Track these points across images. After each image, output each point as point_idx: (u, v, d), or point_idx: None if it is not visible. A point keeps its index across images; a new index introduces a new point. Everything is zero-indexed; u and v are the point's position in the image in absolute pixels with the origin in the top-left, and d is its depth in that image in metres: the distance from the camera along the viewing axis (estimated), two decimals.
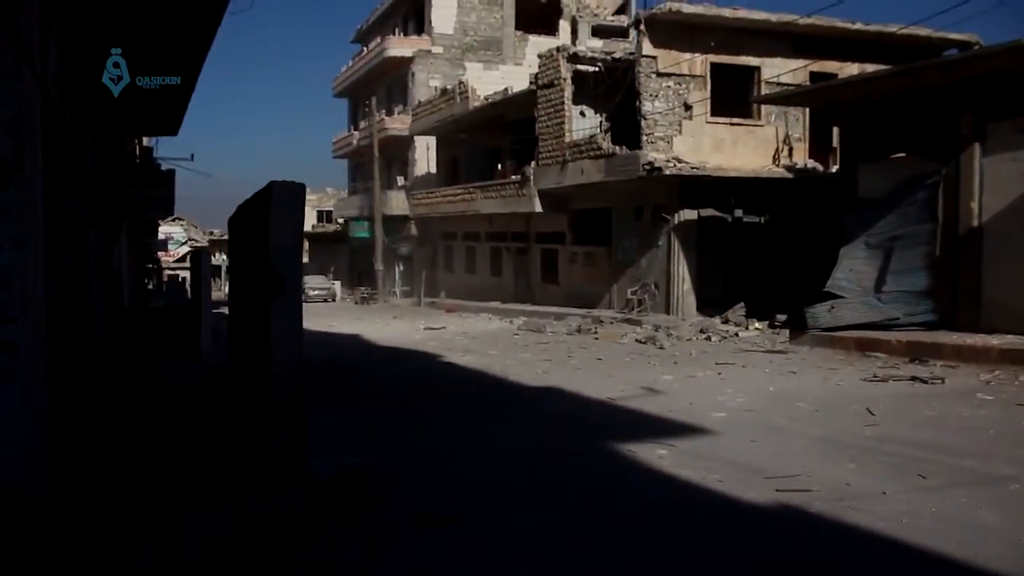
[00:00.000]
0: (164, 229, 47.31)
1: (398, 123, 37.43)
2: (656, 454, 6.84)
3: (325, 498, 5.35)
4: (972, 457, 6.66)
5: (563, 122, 24.10)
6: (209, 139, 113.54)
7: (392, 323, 24.33)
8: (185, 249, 74.73)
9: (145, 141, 20.85)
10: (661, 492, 5.81)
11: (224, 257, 61.73)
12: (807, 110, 21.61)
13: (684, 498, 5.64)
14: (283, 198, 5.10)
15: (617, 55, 23.99)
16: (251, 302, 5.94)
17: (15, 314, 4.02)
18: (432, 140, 36.13)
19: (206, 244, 74.14)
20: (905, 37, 20.77)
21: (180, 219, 59.80)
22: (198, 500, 4.96)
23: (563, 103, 24.00)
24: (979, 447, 7.06)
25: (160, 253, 47.74)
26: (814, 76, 21.15)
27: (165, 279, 43.33)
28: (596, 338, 17.93)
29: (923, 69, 14.80)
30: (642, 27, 20.53)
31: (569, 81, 23.86)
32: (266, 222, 5.12)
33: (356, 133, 42.89)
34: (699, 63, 21.00)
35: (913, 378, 10.87)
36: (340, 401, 9.59)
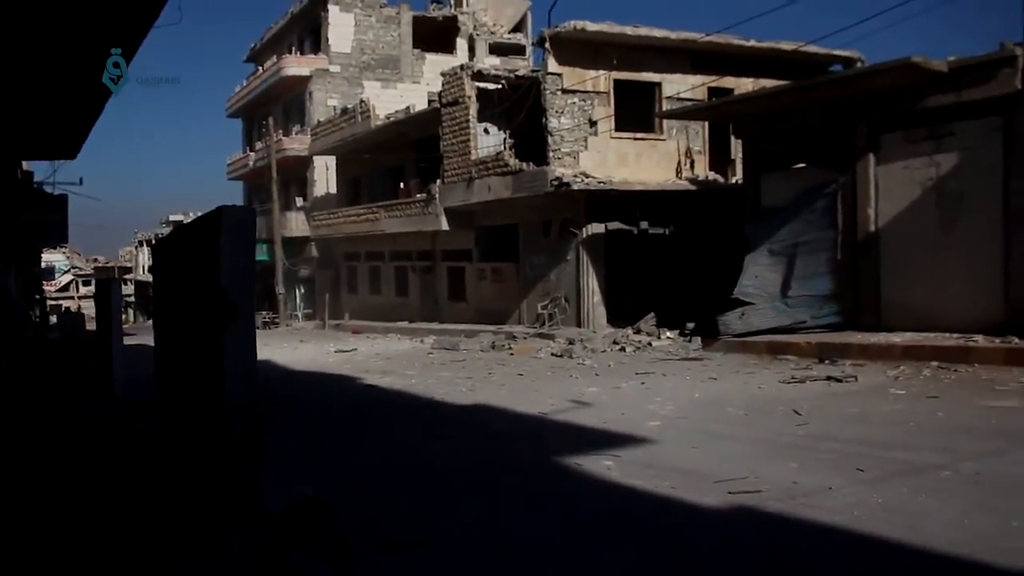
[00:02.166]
0: (46, 258, 45.18)
1: (296, 143, 36.84)
2: (603, 465, 6.91)
3: (282, 531, 5.20)
4: (901, 449, 7.00)
5: (468, 140, 24.18)
6: (92, 163, 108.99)
7: (300, 347, 23.84)
8: (68, 278, 71.60)
9: (25, 165, 19.87)
10: (619, 503, 5.87)
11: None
12: (707, 124, 22.34)
13: (644, 507, 5.72)
14: (234, 221, 4.95)
15: (520, 72, 24.27)
16: (194, 330, 5.74)
17: None
18: (331, 160, 35.67)
19: (91, 272, 71.23)
20: (795, 53, 21.69)
21: (63, 247, 57.17)
22: (160, 546, 4.75)
23: (468, 121, 24.09)
24: (904, 439, 7.43)
25: (44, 283, 45.51)
26: (712, 91, 21.87)
27: (48, 310, 41.36)
28: (511, 354, 17.98)
29: (821, 84, 15.54)
30: (547, 45, 20.83)
31: (474, 99, 23.98)
32: (215, 246, 4.96)
33: (252, 154, 41.97)
34: (603, 80, 21.43)
35: (829, 378, 11.33)
36: (270, 431, 9.32)
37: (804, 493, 5.71)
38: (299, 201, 38.94)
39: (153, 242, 49.72)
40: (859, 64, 22.35)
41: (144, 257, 65.82)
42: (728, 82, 22.11)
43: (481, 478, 6.85)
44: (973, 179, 13.58)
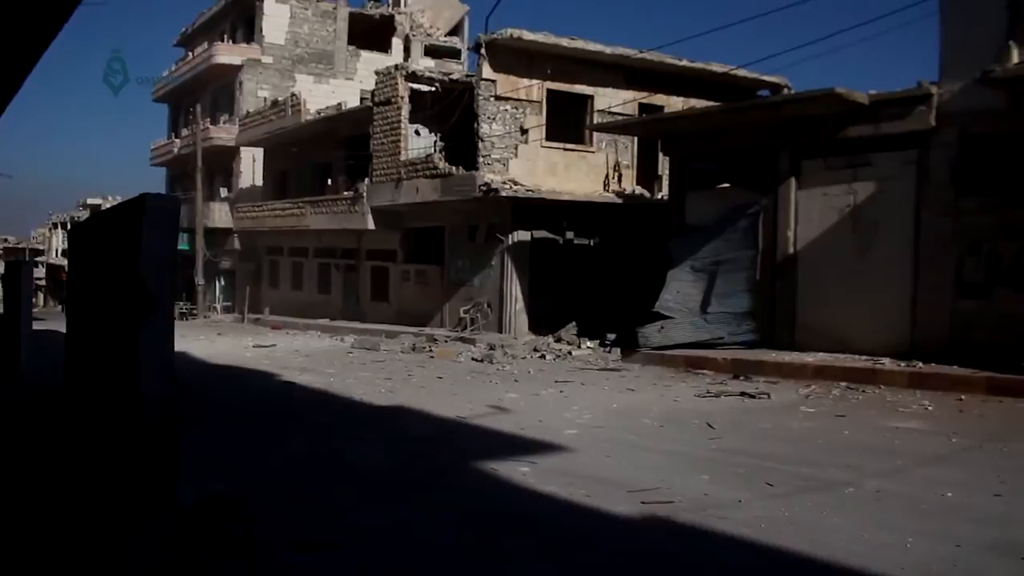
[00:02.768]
0: None
1: (224, 132, 36.10)
2: (519, 471, 6.96)
3: (191, 526, 5.10)
4: (809, 465, 7.22)
5: (399, 140, 24.06)
6: (6, 138, 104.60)
7: (218, 340, 23.34)
8: None
9: None
10: (535, 509, 5.92)
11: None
12: (636, 139, 22.68)
13: (558, 514, 5.79)
14: (157, 211, 4.83)
15: (455, 76, 24.26)
16: (110, 319, 5.58)
17: None
18: (259, 152, 35.07)
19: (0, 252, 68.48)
20: (725, 76, 22.23)
21: None
22: (61, 541, 4.62)
23: (399, 121, 23.98)
24: (813, 456, 7.66)
25: None
26: (643, 107, 22.25)
27: None
28: (432, 356, 17.94)
29: (748, 108, 15.97)
30: (483, 51, 20.88)
31: (407, 99, 23.88)
32: (136, 235, 4.84)
33: (177, 141, 40.96)
34: (536, 89, 21.57)
35: (743, 393, 11.60)
36: (184, 425, 9.12)
37: (715, 505, 5.85)
38: (223, 192, 38.21)
39: (69, 225, 48.11)
40: (786, 91, 23.04)
41: (58, 240, 63.63)
42: (659, 99, 22.53)
43: (397, 480, 6.83)
44: (887, 209, 14.12)
